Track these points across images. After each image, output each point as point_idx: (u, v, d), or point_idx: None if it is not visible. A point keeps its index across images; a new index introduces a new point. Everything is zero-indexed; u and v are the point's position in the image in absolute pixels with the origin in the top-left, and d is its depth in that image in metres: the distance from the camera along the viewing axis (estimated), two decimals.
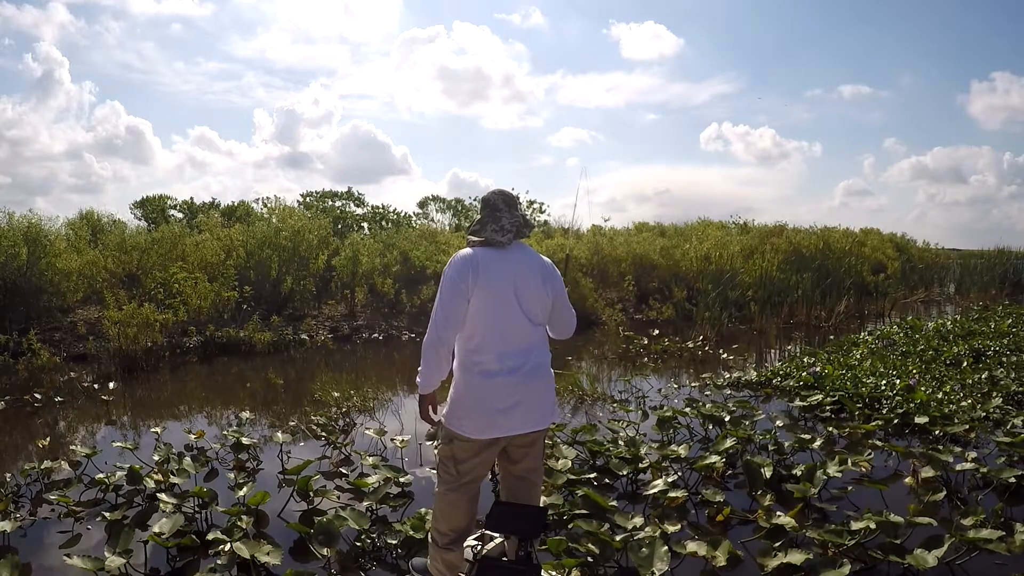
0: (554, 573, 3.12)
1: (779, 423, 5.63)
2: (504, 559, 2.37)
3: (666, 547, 3.20)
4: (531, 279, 2.68)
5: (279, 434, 5.28)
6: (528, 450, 2.83)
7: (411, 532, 3.48)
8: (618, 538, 3.40)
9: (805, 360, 8.28)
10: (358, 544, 3.55)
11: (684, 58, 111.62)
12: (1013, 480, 4.16)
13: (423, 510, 3.64)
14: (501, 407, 2.61)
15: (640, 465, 4.54)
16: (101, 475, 4.31)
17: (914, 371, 7.18)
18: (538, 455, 2.90)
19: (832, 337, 10.82)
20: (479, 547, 2.87)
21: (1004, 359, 7.92)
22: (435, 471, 3.19)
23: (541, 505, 3.12)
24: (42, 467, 4.57)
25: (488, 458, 2.78)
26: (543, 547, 3.26)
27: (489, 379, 2.63)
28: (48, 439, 5.46)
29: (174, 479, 4.28)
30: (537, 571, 2.26)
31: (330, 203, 21.65)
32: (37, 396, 6.90)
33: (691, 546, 3.32)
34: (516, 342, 2.65)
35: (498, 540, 2.85)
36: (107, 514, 3.80)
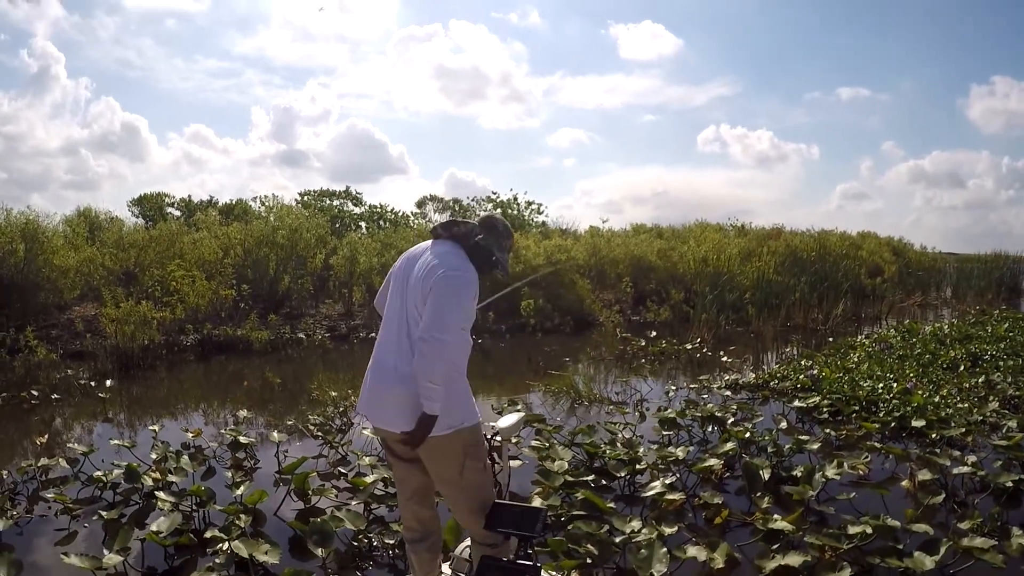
0: (554, 574, 3.12)
1: (783, 425, 5.63)
2: (504, 559, 2.36)
3: (664, 549, 3.20)
4: (415, 272, 2.46)
5: (276, 433, 5.26)
6: (427, 461, 2.51)
7: None
8: (617, 540, 3.41)
9: (803, 363, 8.29)
10: (355, 544, 3.55)
11: (683, 60, 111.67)
12: (1010, 484, 4.18)
13: None
14: (366, 391, 2.55)
15: (638, 467, 4.54)
16: (98, 473, 4.30)
17: (911, 375, 7.20)
18: (440, 474, 2.50)
19: (830, 340, 10.84)
20: None
21: (1001, 363, 7.94)
22: None
23: (529, 508, 3.11)
24: (39, 464, 4.57)
25: (399, 458, 2.58)
26: (545, 548, 3.26)
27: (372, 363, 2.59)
28: (45, 436, 5.45)
29: (172, 477, 4.26)
30: (537, 572, 2.25)
31: (328, 202, 21.66)
32: (34, 393, 6.89)
33: (691, 551, 3.31)
34: (393, 337, 2.49)
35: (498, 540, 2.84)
36: (104, 512, 3.78)
